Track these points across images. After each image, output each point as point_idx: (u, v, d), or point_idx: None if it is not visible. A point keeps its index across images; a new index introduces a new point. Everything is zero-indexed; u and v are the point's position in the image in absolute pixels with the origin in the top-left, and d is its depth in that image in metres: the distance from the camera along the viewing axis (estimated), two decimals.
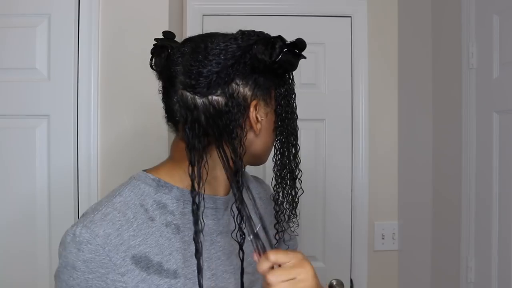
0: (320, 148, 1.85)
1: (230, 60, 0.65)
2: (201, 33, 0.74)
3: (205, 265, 0.69)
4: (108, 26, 1.52)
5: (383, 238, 1.85)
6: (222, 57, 0.65)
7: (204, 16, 1.82)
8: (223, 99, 0.66)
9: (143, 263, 0.65)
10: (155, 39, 0.74)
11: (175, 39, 0.76)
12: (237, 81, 0.67)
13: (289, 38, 0.72)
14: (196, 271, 0.66)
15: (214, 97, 0.66)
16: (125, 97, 1.53)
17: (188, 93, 0.66)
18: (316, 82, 1.81)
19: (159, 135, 1.50)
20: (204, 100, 0.65)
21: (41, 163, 1.49)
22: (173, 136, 0.76)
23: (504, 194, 1.32)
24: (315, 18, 1.87)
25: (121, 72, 1.52)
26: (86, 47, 1.50)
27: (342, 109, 1.87)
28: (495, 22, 1.37)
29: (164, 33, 0.75)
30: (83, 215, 0.68)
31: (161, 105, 0.73)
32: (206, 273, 0.70)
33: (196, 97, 0.65)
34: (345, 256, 1.85)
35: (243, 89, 0.67)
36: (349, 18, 1.87)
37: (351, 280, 1.85)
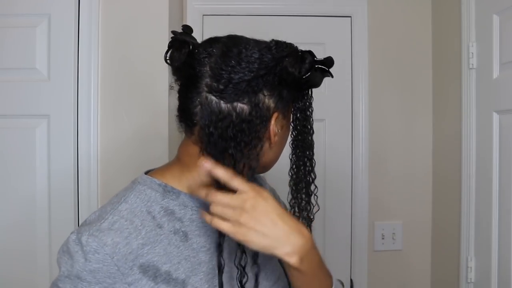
0: (320, 148, 1.85)
1: (263, 70, 0.64)
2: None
3: (212, 272, 0.68)
4: (108, 26, 1.52)
5: (383, 238, 1.85)
6: (256, 66, 0.64)
7: (204, 16, 1.82)
8: (248, 108, 0.64)
9: (151, 272, 0.63)
10: (173, 32, 0.71)
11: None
12: (264, 91, 0.66)
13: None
14: (202, 280, 0.66)
15: (240, 105, 0.64)
16: (125, 97, 1.53)
17: (213, 97, 0.64)
18: None
19: (159, 135, 1.50)
20: (228, 106, 0.64)
21: (41, 163, 1.48)
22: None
23: (504, 194, 1.32)
24: (315, 18, 1.86)
25: (121, 72, 1.52)
26: (86, 47, 1.50)
27: (342, 109, 1.87)
28: (495, 22, 1.37)
29: (184, 27, 0.71)
30: (86, 223, 0.65)
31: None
32: (213, 281, 0.68)
33: (222, 102, 0.64)
34: (345, 256, 1.85)
35: (268, 101, 0.66)
36: (349, 18, 1.87)
37: (351, 280, 1.84)
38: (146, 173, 0.74)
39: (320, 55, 0.70)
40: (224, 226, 0.60)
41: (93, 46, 1.50)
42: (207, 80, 0.64)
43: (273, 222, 0.61)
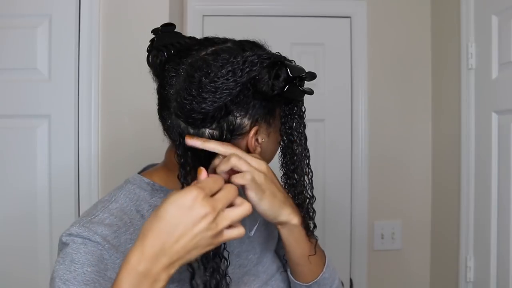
0: (320, 148, 1.86)
1: (227, 97, 0.59)
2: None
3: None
4: (108, 27, 1.53)
5: (382, 238, 1.86)
6: (218, 96, 0.59)
7: (204, 17, 1.83)
8: (218, 132, 0.62)
9: None
10: (153, 31, 0.69)
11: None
12: (235, 113, 0.62)
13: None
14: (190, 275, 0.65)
15: (209, 130, 0.62)
16: (126, 97, 1.53)
17: (181, 122, 0.62)
18: (315, 82, 1.79)
19: (159, 135, 1.50)
20: (197, 131, 0.62)
21: (42, 163, 1.49)
22: None
23: (503, 194, 1.33)
24: (315, 19, 1.87)
25: (122, 72, 1.53)
26: (86, 47, 1.50)
27: (342, 109, 1.87)
28: (494, 22, 1.37)
29: (163, 27, 0.69)
30: (78, 219, 0.67)
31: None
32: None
33: (189, 127, 0.62)
34: (344, 255, 1.86)
35: (241, 120, 0.62)
36: (349, 19, 1.87)
37: (350, 280, 1.85)
38: (140, 172, 0.75)
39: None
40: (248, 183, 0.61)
41: (93, 46, 1.51)
42: (174, 104, 0.62)
43: (278, 188, 0.65)
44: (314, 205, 0.73)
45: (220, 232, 0.52)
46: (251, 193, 0.62)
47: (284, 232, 0.69)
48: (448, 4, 1.69)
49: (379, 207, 1.87)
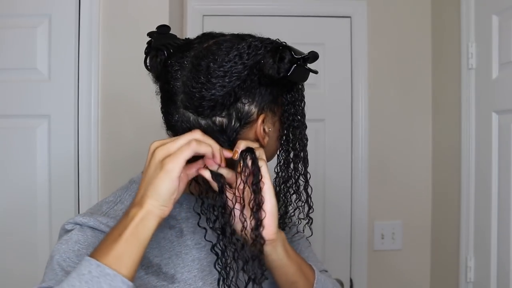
0: (320, 148, 1.86)
1: (236, 81, 0.61)
2: (202, 32, 0.70)
3: (207, 269, 0.68)
4: (108, 26, 1.53)
5: (382, 238, 1.86)
6: (227, 80, 0.60)
7: (204, 17, 1.83)
8: (227, 120, 0.62)
9: (144, 261, 0.64)
10: (149, 34, 0.70)
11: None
12: (243, 99, 0.62)
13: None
14: (196, 277, 0.65)
15: (219, 118, 0.62)
16: (126, 97, 1.53)
17: (190, 114, 0.62)
18: (316, 83, 1.81)
19: (159, 135, 1.50)
20: (208, 121, 0.62)
21: (41, 163, 1.49)
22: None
23: (503, 194, 1.33)
24: (315, 19, 1.87)
25: (121, 72, 1.52)
26: (86, 47, 1.50)
27: (342, 109, 1.87)
28: (494, 22, 1.37)
29: (159, 28, 0.70)
30: (82, 213, 0.67)
31: (160, 105, 0.71)
32: (207, 278, 0.68)
33: (199, 118, 0.62)
34: (344, 255, 1.85)
35: (249, 107, 0.63)
36: (349, 19, 1.87)
37: (350, 280, 1.85)
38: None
39: (320, 55, 0.69)
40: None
41: (93, 46, 1.50)
42: (182, 96, 0.62)
43: None
44: (314, 205, 0.72)
45: (163, 159, 0.57)
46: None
47: (279, 253, 0.65)
48: (448, 4, 1.69)
49: (379, 207, 1.87)
